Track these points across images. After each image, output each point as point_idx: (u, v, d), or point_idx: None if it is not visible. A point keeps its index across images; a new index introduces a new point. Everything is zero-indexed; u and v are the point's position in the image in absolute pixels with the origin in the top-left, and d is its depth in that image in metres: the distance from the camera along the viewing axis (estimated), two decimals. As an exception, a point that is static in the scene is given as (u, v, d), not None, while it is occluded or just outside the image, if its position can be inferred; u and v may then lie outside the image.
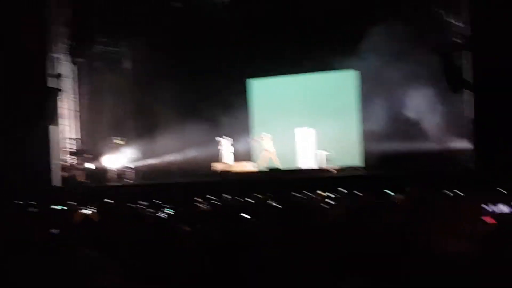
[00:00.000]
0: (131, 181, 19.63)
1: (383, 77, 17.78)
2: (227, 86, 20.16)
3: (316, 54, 19.10)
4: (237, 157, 19.68)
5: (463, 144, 16.77)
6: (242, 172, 18.76)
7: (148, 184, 18.54)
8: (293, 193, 11.27)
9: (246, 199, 10.91)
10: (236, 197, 11.45)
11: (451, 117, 17.30)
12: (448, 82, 16.02)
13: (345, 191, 11.48)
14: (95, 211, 8.42)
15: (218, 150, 19.42)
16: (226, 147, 19.45)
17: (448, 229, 4.71)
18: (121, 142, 20.26)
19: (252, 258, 4.40)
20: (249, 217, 6.54)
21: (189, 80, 20.47)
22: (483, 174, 13.92)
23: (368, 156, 19.07)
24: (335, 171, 17.77)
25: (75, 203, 10.82)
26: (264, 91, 20.89)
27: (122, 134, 20.54)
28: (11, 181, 16.30)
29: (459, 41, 16.49)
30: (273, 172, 17.90)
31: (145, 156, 20.47)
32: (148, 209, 9.25)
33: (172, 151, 20.13)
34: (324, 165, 18.24)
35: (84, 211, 8.64)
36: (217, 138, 19.33)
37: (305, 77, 20.35)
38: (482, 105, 15.65)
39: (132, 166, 20.16)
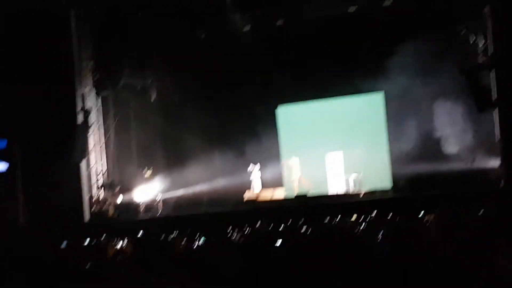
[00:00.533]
0: (161, 214, 19.67)
1: (410, 97, 17.88)
2: (255, 113, 20.31)
3: (342, 78, 19.22)
4: (267, 184, 19.69)
5: (491, 162, 16.68)
6: (268, 200, 18.78)
7: (178, 216, 18.63)
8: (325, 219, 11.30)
9: (277, 227, 10.93)
10: (266, 226, 11.49)
11: (479, 136, 17.24)
12: (475, 102, 16.01)
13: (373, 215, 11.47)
14: (128, 243, 8.51)
15: (249, 179, 19.47)
16: (255, 174, 19.50)
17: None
18: (149, 174, 20.34)
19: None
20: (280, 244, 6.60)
21: (216, 109, 20.62)
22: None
23: (396, 178, 19.01)
24: (362, 195, 17.74)
25: (106, 238, 10.94)
26: (292, 117, 20.98)
27: (150, 165, 20.66)
28: (44, 219, 16.53)
29: (484, 60, 16.48)
30: (300, 199, 17.86)
31: (174, 187, 20.51)
32: (180, 240, 9.31)
33: (201, 181, 20.19)
34: (352, 189, 18.24)
35: (118, 245, 8.74)
36: (249, 168, 19.40)
37: (332, 101, 20.45)
38: (509, 123, 15.61)
39: (161, 198, 20.20)
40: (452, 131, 17.47)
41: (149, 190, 20.18)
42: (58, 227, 13.88)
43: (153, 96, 20.81)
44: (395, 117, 19.02)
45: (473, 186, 15.96)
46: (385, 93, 19.47)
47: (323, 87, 19.77)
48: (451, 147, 17.61)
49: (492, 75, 16.13)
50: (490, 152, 16.82)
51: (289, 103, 20.90)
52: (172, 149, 21.30)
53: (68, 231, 12.56)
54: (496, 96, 15.91)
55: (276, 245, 6.66)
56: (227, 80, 20.06)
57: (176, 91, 20.72)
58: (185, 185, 20.43)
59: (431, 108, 17.89)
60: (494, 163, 16.59)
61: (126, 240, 9.43)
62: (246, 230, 10.50)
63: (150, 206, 19.91)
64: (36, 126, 17.71)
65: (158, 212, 19.64)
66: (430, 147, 17.93)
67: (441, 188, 16.19)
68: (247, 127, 20.07)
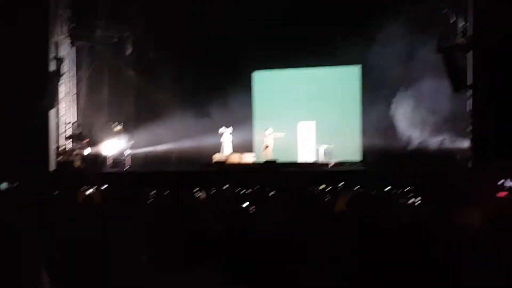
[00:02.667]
0: (129, 168, 19.69)
1: (387, 73, 17.96)
2: (231, 77, 20.27)
3: (321, 48, 19.28)
4: (238, 148, 19.77)
5: (462, 143, 16.91)
6: (237, 164, 18.84)
7: (145, 172, 18.66)
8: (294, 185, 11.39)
9: (244, 190, 10.98)
10: (233, 188, 11.52)
11: (452, 115, 17.41)
12: (450, 81, 16.18)
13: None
14: (97, 191, 8.55)
15: (220, 141, 19.52)
16: (226, 137, 19.53)
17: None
18: (119, 128, 20.27)
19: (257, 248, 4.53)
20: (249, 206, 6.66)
21: (192, 68, 20.60)
22: (480, 174, 14.05)
23: (366, 152, 19.23)
24: (331, 165, 17.90)
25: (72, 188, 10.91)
26: (268, 84, 21.04)
27: (120, 120, 20.63)
28: (8, 164, 16.37)
29: (462, 41, 16.61)
30: (269, 165, 17.94)
31: (143, 143, 20.56)
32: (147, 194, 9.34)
33: (172, 139, 20.26)
34: (322, 159, 18.39)
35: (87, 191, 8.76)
36: (220, 130, 19.42)
37: (309, 71, 20.53)
38: (480, 105, 15.81)
39: (129, 153, 20.20)
40: (426, 109, 17.62)
41: (118, 145, 20.16)
42: (23, 175, 13.72)
43: (128, 50, 20.67)
44: (370, 92, 19.17)
45: (442, 166, 16.19)
46: (362, 66, 19.63)
47: (303, 56, 19.80)
48: (423, 125, 17.77)
49: (469, 56, 16.26)
50: (461, 132, 17.03)
51: (265, 69, 20.92)
52: (144, 105, 21.29)
53: (33, 179, 12.48)
54: (471, 77, 16.07)
55: (242, 206, 6.73)
56: (205, 39, 19.94)
57: (151, 46, 20.59)
58: (155, 142, 20.49)
59: (407, 86, 18.01)
60: (464, 143, 16.81)
61: (94, 189, 9.46)
62: (212, 191, 10.52)
63: (117, 161, 19.95)
64: (6, 71, 17.45)
65: (125, 167, 19.62)
66: (402, 124, 18.10)
67: (409, 166, 16.38)
68: (222, 90, 20.03)
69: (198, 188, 10.31)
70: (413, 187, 9.85)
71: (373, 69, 18.55)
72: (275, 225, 5.35)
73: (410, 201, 7.93)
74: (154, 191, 9.69)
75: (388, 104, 18.39)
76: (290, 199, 7.45)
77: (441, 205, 6.31)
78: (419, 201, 7.69)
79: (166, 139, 20.31)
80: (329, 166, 17.87)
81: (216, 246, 4.55)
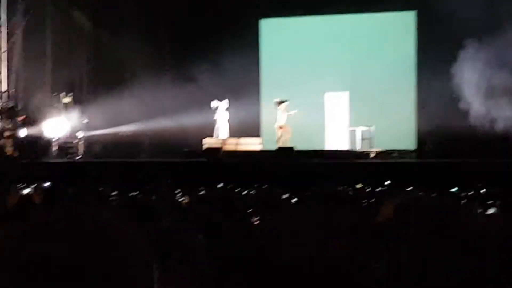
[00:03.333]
0: (82, 158, 19.65)
1: (452, 21, 17.76)
2: (227, 26, 20.10)
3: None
4: (238, 131, 19.67)
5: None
6: (237, 152, 18.72)
7: (107, 163, 18.54)
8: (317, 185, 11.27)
9: (246, 190, 10.90)
10: (231, 188, 11.45)
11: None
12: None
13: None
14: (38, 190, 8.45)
15: (213, 120, 19.42)
16: (222, 115, 19.40)
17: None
18: (68, 101, 20.18)
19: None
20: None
21: (171, 14, 20.46)
22: None
23: (423, 137, 19.12)
24: (374, 155, 17.82)
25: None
26: (280, 37, 20.91)
27: (70, 89, 20.55)
28: None
29: None
30: (283, 154, 17.78)
31: (103, 122, 20.43)
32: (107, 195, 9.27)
33: (143, 117, 20.15)
34: (360, 146, 18.31)
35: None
36: (213, 104, 19.26)
37: (338, 18, 20.41)
38: None
39: (83, 136, 20.12)
40: (507, 79, 17.50)
41: (66, 124, 20.01)
42: None
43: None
44: (429, 50, 18.96)
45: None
46: (418, 12, 19.52)
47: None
48: (504, 101, 17.66)
49: None
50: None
51: (277, 17, 20.83)
52: (104, 68, 21.09)
53: None
54: None
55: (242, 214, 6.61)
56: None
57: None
58: (119, 121, 20.39)
59: (481, 40, 17.86)
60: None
61: (33, 187, 9.36)
62: (201, 192, 10.44)
63: (66, 147, 19.84)
64: None
65: (77, 156, 19.61)
66: (474, 97, 17.94)
67: (483, 158, 16.23)
68: (213, 45, 19.89)
69: (179, 189, 10.24)
70: (488, 188, 9.73)
71: (434, 16, 18.35)
72: (291, 245, 5.18)
73: (487, 209, 7.79)
74: (116, 192, 9.60)
75: (456, 67, 18.19)
76: (312, 204, 7.29)
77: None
78: (496, 209, 7.55)
79: (134, 117, 20.20)
80: (370, 156, 17.76)
81: (202, 279, 4.40)
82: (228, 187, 11.58)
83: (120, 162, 18.24)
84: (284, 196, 8.70)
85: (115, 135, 20.37)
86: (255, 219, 6.26)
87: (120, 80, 20.47)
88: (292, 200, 8.51)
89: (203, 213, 7.10)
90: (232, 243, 5.04)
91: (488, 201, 8.11)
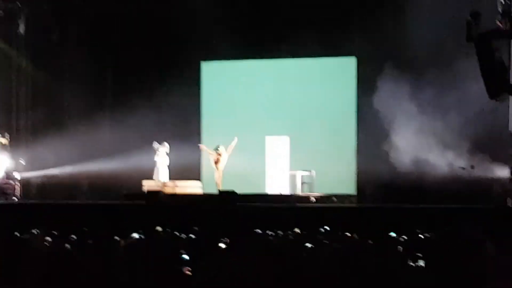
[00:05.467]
0: (16, 199, 19.43)
1: (390, 65, 18.01)
2: (170, 69, 20.25)
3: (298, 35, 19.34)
4: (178, 174, 19.64)
5: (499, 171, 17.00)
6: (179, 195, 18.65)
7: (43, 204, 18.38)
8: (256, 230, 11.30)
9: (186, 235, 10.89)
10: (170, 233, 11.43)
11: (485, 132, 17.46)
12: (485, 83, 16.12)
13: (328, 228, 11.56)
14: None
15: (154, 161, 19.40)
16: (162, 157, 19.37)
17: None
18: (6, 142, 20.02)
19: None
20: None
21: (113, 58, 20.55)
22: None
23: (363, 182, 19.25)
24: (314, 200, 17.85)
25: None
26: (221, 80, 21.00)
27: (6, 128, 20.41)
28: None
29: (504, 25, 16.66)
30: (225, 197, 17.73)
31: (40, 164, 20.31)
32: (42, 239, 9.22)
33: (82, 158, 20.02)
34: (300, 191, 18.34)
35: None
36: (154, 145, 19.25)
37: (280, 63, 20.57)
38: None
39: (20, 177, 19.95)
40: (447, 122, 17.66)
41: (3, 165, 19.87)
42: None
43: (22, 27, 20.49)
44: (369, 94, 19.03)
45: (472, 202, 16.18)
46: (358, 60, 19.73)
47: (272, 42, 19.94)
48: (443, 145, 17.80)
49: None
50: (497, 156, 17.11)
51: (217, 60, 20.92)
52: (43, 108, 20.97)
53: None
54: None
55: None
56: (130, 15, 20.00)
57: (55, 24, 20.46)
58: (57, 163, 20.24)
59: (422, 89, 18.05)
60: (501, 172, 16.89)
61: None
62: (140, 237, 10.41)
63: (2, 187, 19.63)
64: None
65: (11, 198, 19.40)
66: (414, 141, 18.07)
67: (424, 201, 16.41)
68: (154, 87, 20.04)
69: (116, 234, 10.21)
70: (429, 234, 9.86)
71: (373, 61, 18.58)
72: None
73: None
74: (53, 235, 9.55)
75: (394, 112, 18.33)
76: (254, 250, 7.32)
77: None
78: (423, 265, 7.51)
79: (73, 159, 20.06)
80: (311, 200, 17.79)
81: None
82: (167, 230, 11.58)
83: (57, 204, 18.14)
84: (221, 242, 8.76)
85: (53, 176, 20.22)
86: (185, 269, 6.31)
87: (59, 121, 20.39)
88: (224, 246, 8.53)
89: (137, 257, 7.14)
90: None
91: (423, 246, 8.21)
